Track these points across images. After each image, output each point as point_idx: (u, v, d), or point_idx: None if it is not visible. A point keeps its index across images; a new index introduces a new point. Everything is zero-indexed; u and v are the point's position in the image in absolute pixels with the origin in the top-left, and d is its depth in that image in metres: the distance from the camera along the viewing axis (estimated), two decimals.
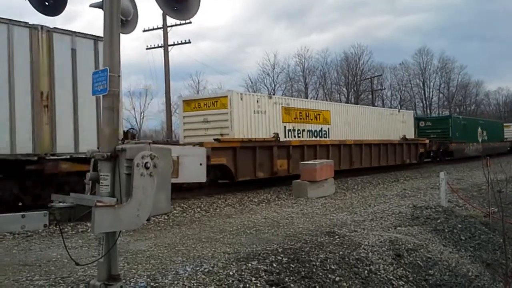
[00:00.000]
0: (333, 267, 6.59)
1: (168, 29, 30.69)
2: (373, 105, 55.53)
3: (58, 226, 3.80)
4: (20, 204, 10.33)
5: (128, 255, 6.46)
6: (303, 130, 18.41)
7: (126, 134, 12.44)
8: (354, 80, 68.77)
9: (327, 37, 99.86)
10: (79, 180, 8.59)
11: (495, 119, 59.62)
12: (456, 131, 31.25)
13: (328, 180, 14.76)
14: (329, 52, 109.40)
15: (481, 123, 36.80)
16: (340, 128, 20.57)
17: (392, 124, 24.83)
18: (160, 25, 30.90)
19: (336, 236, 7.88)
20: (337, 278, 6.36)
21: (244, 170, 15.25)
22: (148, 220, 3.70)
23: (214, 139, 14.76)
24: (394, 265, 7.30)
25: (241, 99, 15.78)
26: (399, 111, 28.38)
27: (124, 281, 4.62)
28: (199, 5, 4.47)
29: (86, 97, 10.18)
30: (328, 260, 6.74)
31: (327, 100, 52.31)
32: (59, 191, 9.31)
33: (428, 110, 74.84)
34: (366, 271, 6.83)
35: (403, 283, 6.96)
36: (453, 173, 21.31)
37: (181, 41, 31.84)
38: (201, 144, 13.42)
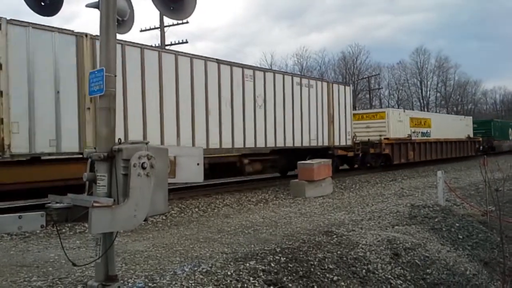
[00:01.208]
0: (331, 267, 6.60)
1: (166, 29, 30.68)
2: (370, 105, 57.44)
3: (55, 226, 3.79)
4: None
5: (125, 256, 6.45)
6: (419, 132, 27.76)
7: None
8: (351, 79, 68.81)
9: (326, 37, 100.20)
10: None
11: (493, 117, 60.26)
12: (496, 131, 41.23)
13: (326, 180, 14.77)
14: (326, 52, 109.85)
15: (511, 125, 47.31)
16: (436, 130, 29.54)
17: (461, 127, 34.15)
18: (157, 25, 30.90)
19: (334, 236, 7.89)
20: (335, 278, 6.36)
21: (396, 157, 24.90)
22: (145, 220, 3.70)
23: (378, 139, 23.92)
24: (392, 264, 7.31)
25: (392, 113, 25.92)
26: (464, 117, 38.35)
27: (121, 281, 4.61)
28: (195, 5, 4.47)
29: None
30: (326, 260, 6.74)
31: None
32: None
33: (425, 110, 75.00)
34: (364, 271, 6.84)
35: (401, 282, 6.97)
36: (450, 172, 21.36)
37: (178, 41, 31.83)
38: (380, 142, 23.67)
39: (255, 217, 10.10)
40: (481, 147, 37.46)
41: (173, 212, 10.74)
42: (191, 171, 4.15)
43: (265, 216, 10.28)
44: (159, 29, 30.77)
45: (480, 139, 37.32)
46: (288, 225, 9.05)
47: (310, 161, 15.06)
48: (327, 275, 6.37)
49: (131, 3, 4.75)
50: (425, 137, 28.16)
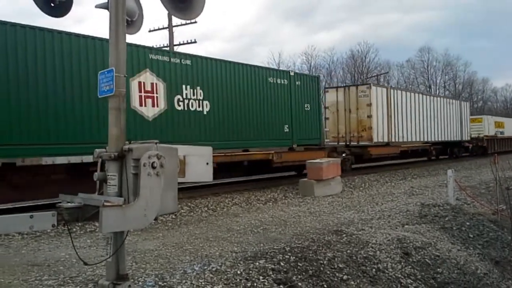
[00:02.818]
0: (340, 266, 6.58)
1: (174, 29, 30.75)
2: None
3: (66, 226, 3.82)
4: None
5: (136, 255, 6.49)
6: (498, 131, 38.61)
7: None
8: (360, 77, 68.53)
9: (334, 36, 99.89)
10: None
11: (503, 116, 59.88)
12: None
13: (335, 179, 14.73)
14: (335, 50, 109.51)
15: None
16: (507, 130, 40.28)
17: None
18: (166, 25, 30.97)
19: (344, 235, 7.87)
20: (345, 277, 6.35)
21: (489, 148, 35.26)
22: (155, 219, 3.71)
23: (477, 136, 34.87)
24: (402, 263, 7.28)
25: (487, 118, 37.90)
26: None
27: (132, 280, 4.64)
28: (204, 5, 4.48)
29: None
30: (336, 259, 6.73)
31: None
32: None
33: None
34: (374, 270, 6.81)
35: (411, 281, 6.94)
36: (460, 171, 21.20)
37: (187, 41, 31.91)
38: (482, 138, 35.31)
39: (264, 216, 10.10)
40: None
41: (182, 211, 10.77)
42: (201, 171, 4.15)
43: (274, 215, 10.28)
44: (168, 29, 30.86)
45: None
46: (297, 224, 9.04)
47: (319, 160, 15.03)
48: (337, 274, 6.36)
49: (140, 3, 4.77)
50: (502, 135, 39.66)
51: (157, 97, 12.37)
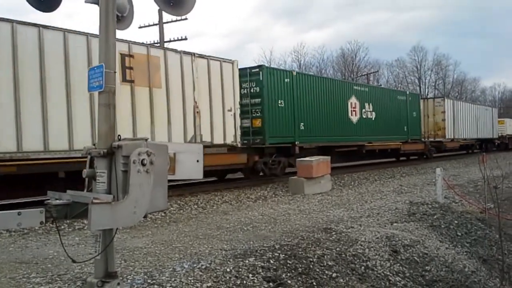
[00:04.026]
0: (330, 263, 6.60)
1: (165, 26, 30.61)
2: None
3: (54, 223, 3.78)
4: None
5: (125, 252, 6.45)
6: None
7: None
8: (350, 76, 68.78)
9: (326, 34, 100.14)
10: None
11: None
12: None
13: (325, 177, 14.77)
14: (325, 49, 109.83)
15: None
16: None
17: None
18: (156, 21, 30.83)
19: (333, 233, 7.89)
20: (334, 274, 6.37)
21: (510, 144, 41.95)
22: (145, 217, 3.69)
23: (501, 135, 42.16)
24: (390, 261, 7.32)
25: (508, 121, 44.40)
26: None
27: (121, 278, 4.61)
28: (195, 1, 4.45)
29: None
30: (325, 257, 6.75)
31: None
32: None
33: None
34: (362, 267, 6.85)
35: (400, 279, 6.98)
36: (449, 170, 21.39)
37: (177, 38, 31.78)
38: (506, 136, 42.79)
39: (254, 214, 10.10)
40: None
41: (172, 209, 10.74)
42: (191, 168, 4.13)
43: (264, 213, 10.29)
44: (158, 25, 30.71)
45: None
46: (287, 222, 9.05)
47: (309, 158, 15.06)
48: (326, 271, 6.38)
49: None
50: None
51: (356, 110, 21.29)
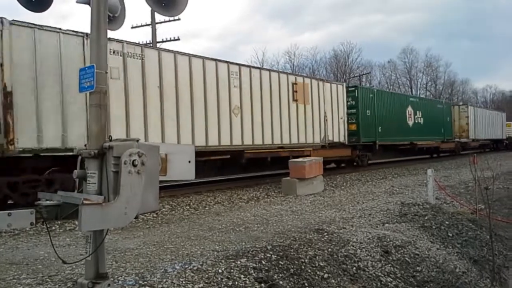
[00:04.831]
0: (321, 264, 6.62)
1: (158, 26, 30.53)
2: None
3: (45, 224, 3.76)
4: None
5: (116, 253, 6.42)
6: None
7: None
8: (343, 77, 69.02)
9: (319, 36, 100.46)
10: None
11: None
12: None
13: (317, 178, 14.80)
14: (318, 50, 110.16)
15: None
16: None
17: None
18: (149, 22, 30.75)
19: (325, 233, 7.91)
20: (326, 275, 6.38)
21: None
22: (136, 218, 3.68)
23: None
24: (382, 261, 7.35)
25: None
26: None
27: (112, 279, 4.60)
28: (187, 2, 4.45)
29: None
30: (317, 257, 6.76)
31: None
32: None
33: None
34: (354, 268, 6.87)
35: (391, 279, 7.01)
36: (440, 171, 21.50)
37: (170, 38, 31.73)
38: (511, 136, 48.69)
39: (246, 215, 10.10)
40: None
41: (164, 209, 10.71)
42: (183, 169, 4.13)
43: (256, 213, 10.28)
44: (151, 26, 30.63)
45: None
46: (279, 222, 9.06)
47: (301, 159, 15.09)
48: (318, 272, 6.39)
49: None
50: None
51: (411, 117, 27.53)
